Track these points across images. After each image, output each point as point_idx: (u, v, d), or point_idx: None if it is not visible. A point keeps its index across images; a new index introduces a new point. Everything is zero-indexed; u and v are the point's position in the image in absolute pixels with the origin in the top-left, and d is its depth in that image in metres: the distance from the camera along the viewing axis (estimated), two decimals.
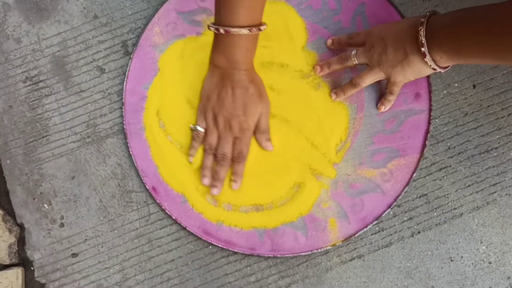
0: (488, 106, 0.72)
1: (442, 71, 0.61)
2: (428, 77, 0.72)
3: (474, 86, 0.72)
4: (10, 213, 0.72)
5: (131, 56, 0.74)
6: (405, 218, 0.70)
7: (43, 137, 0.73)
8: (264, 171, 0.71)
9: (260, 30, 0.63)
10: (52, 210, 0.72)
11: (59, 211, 0.72)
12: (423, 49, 0.58)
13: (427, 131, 0.71)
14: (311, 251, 0.69)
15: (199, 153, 0.71)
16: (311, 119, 0.72)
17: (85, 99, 0.74)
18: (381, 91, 0.72)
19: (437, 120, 0.72)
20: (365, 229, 0.69)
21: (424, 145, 0.71)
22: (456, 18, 0.57)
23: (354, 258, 0.70)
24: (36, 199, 0.72)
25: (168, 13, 0.75)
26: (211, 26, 0.63)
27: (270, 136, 0.70)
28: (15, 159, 0.73)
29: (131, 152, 0.72)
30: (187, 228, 0.70)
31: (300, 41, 0.73)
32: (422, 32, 0.58)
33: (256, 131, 0.70)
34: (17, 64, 0.74)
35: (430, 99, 0.72)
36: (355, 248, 0.70)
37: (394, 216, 0.70)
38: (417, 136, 0.71)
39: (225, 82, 0.67)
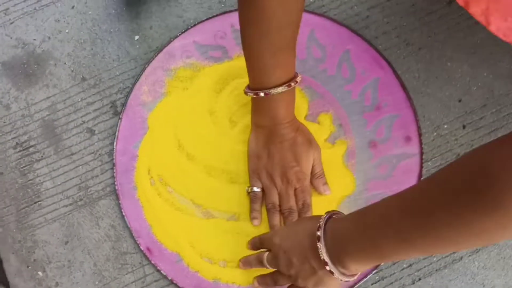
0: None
1: (355, 277, 0.55)
2: (417, 120, 0.72)
3: (464, 127, 0.72)
4: (4, 282, 0.71)
5: (120, 116, 0.74)
6: (404, 265, 0.69)
7: (35, 203, 0.73)
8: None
9: (296, 82, 0.63)
10: (46, 277, 0.71)
11: (54, 277, 0.71)
12: (327, 267, 0.52)
13: (420, 175, 0.71)
14: None
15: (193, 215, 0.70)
16: None
17: (76, 161, 0.74)
18: (370, 138, 0.71)
19: (429, 163, 0.72)
20: (365, 279, 0.68)
21: None
22: (365, 221, 0.50)
23: None
24: (30, 267, 0.71)
25: (154, 71, 0.75)
26: (249, 92, 0.63)
27: None
28: (8, 226, 0.72)
29: (123, 213, 0.71)
30: None
31: None
32: (322, 248, 0.52)
33: (312, 178, 0.69)
34: (7, 130, 0.75)
35: (420, 142, 0.72)
36: None
37: (394, 264, 0.69)
38: (410, 180, 0.71)
39: (272, 139, 0.67)
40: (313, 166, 0.68)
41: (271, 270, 0.64)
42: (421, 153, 0.71)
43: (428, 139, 0.72)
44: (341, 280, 0.54)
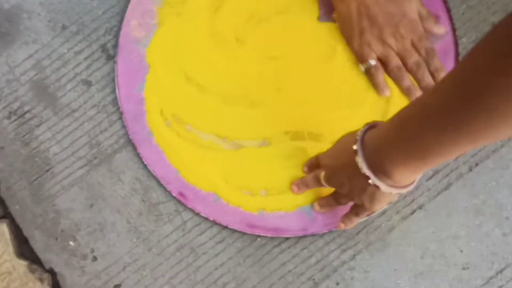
0: None
1: (410, 188, 0.48)
2: None
3: None
4: (35, 261, 0.65)
5: (115, 59, 0.66)
6: None
7: (46, 171, 0.66)
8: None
9: None
10: (79, 246, 0.65)
11: (87, 244, 0.65)
12: (370, 181, 0.47)
13: (457, 54, 0.64)
14: (368, 214, 0.62)
15: None
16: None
17: (80, 118, 0.66)
18: None
19: (463, 39, 0.65)
20: None
21: None
22: (402, 118, 0.44)
23: (415, 211, 0.63)
24: (58, 239, 0.65)
25: (141, 2, 0.66)
26: None
27: None
28: (24, 202, 0.65)
29: (145, 162, 0.65)
30: (229, 227, 0.63)
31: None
32: (361, 163, 0.47)
33: (421, 22, 0.62)
34: None
35: (451, 19, 0.64)
36: (413, 200, 0.63)
37: None
38: (448, 62, 0.64)
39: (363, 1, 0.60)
40: (418, 10, 0.62)
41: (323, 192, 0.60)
42: (454, 30, 0.64)
43: (458, 14, 0.65)
44: (391, 192, 0.48)
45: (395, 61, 0.62)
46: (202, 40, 0.66)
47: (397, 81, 0.63)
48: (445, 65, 0.64)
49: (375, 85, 0.64)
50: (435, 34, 0.63)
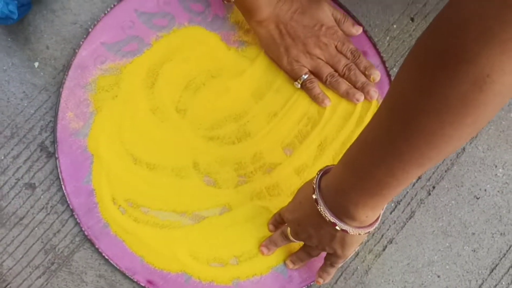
0: None
1: (376, 225, 0.48)
2: (365, 31, 0.66)
3: (412, 20, 0.68)
4: None
5: (56, 155, 0.64)
6: (413, 181, 0.64)
7: None
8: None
9: None
10: None
11: None
12: (337, 227, 0.47)
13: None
14: (343, 261, 0.62)
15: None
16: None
17: (29, 225, 0.63)
18: None
19: (394, 69, 0.67)
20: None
21: None
22: (352, 157, 0.45)
23: (386, 246, 0.63)
24: None
25: (73, 92, 0.65)
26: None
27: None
28: None
29: (106, 256, 0.62)
30: None
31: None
32: (323, 211, 0.47)
33: (338, 25, 0.64)
34: None
35: (378, 52, 0.66)
36: (382, 235, 0.63)
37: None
38: (384, 93, 0.65)
39: (280, 21, 0.62)
40: (332, 15, 0.64)
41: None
42: (383, 62, 0.66)
43: (384, 46, 0.67)
44: (359, 234, 0.48)
45: (326, 70, 0.63)
46: (143, 118, 0.65)
47: (334, 88, 0.64)
48: (382, 97, 0.65)
49: (314, 98, 0.64)
50: (353, 35, 0.65)
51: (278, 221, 0.61)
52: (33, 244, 0.63)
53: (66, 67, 0.65)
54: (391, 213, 0.64)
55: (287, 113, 0.65)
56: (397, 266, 0.63)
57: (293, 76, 0.64)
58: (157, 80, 0.66)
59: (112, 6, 0.66)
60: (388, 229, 0.63)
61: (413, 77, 0.35)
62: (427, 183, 0.64)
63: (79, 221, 0.62)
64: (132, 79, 0.65)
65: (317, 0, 0.63)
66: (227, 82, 0.66)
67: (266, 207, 0.63)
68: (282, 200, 0.63)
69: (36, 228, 0.63)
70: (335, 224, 0.47)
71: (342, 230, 0.47)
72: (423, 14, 0.68)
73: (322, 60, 0.63)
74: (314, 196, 0.48)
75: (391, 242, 0.63)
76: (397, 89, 0.38)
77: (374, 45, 0.66)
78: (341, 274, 0.62)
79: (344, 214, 0.47)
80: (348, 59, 0.64)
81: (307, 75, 0.63)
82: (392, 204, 0.64)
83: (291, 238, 0.58)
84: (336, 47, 0.63)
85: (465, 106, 0.33)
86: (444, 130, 0.34)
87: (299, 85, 0.64)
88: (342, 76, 0.64)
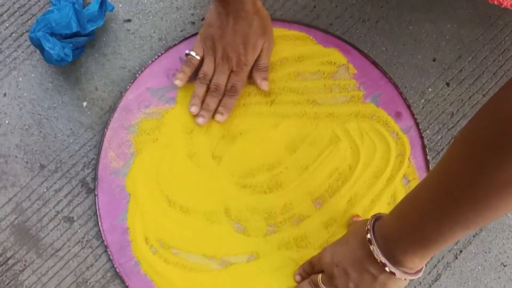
0: (469, 97, 0.69)
1: (420, 274, 0.51)
2: (400, 92, 0.68)
3: (447, 84, 0.69)
4: None
5: (96, 192, 0.67)
6: None
7: None
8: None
9: None
10: None
11: None
12: (387, 268, 0.49)
13: (423, 146, 0.67)
14: None
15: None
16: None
17: (64, 257, 0.66)
18: None
19: (427, 131, 0.68)
20: None
21: (427, 161, 0.67)
22: (404, 210, 0.48)
23: None
24: None
25: (116, 133, 0.68)
26: None
27: None
28: None
29: None
30: None
31: None
32: (376, 251, 0.50)
33: (254, 67, 0.66)
34: None
35: (412, 114, 0.68)
36: None
37: None
38: (416, 155, 0.67)
39: (229, 11, 0.62)
40: (259, 57, 0.65)
41: None
42: (417, 124, 0.68)
43: (418, 108, 0.69)
44: (404, 279, 0.50)
45: (207, 69, 0.66)
46: (181, 162, 0.68)
47: (196, 85, 0.67)
48: (414, 158, 0.67)
49: (180, 70, 0.67)
50: (257, 86, 0.66)
51: (306, 271, 0.62)
52: (66, 276, 0.65)
53: (112, 109, 0.69)
54: None
55: (319, 167, 0.67)
56: None
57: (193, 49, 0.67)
58: (195, 127, 0.68)
59: (160, 54, 0.70)
60: None
61: (463, 157, 0.39)
62: (455, 247, 0.65)
63: (111, 258, 0.65)
64: (173, 124, 0.69)
65: (264, 34, 0.64)
66: (262, 133, 0.68)
67: (293, 258, 0.65)
68: (309, 253, 0.64)
69: (70, 261, 0.65)
70: (385, 265, 0.49)
71: (391, 272, 0.49)
72: (459, 80, 0.69)
73: (214, 62, 0.66)
74: (368, 236, 0.51)
75: None
76: (448, 162, 0.41)
77: (409, 107, 0.68)
78: None
79: (392, 259, 0.49)
80: (224, 86, 0.66)
81: (197, 57, 0.66)
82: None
83: (322, 286, 0.58)
84: (230, 71, 0.65)
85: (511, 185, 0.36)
86: (489, 201, 0.38)
87: (186, 52, 0.67)
88: (208, 88, 0.67)
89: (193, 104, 0.67)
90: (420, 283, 0.64)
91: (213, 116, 0.67)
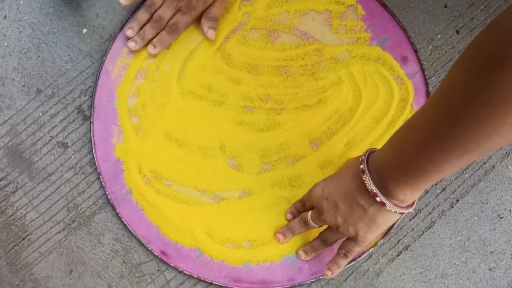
0: None
1: (411, 209, 0.50)
2: (408, 36, 0.66)
3: (457, 32, 0.67)
4: None
5: (91, 119, 0.66)
6: (438, 191, 0.64)
7: (23, 239, 0.64)
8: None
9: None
10: None
11: None
12: (378, 198, 0.49)
13: (428, 92, 0.65)
14: (354, 259, 0.62)
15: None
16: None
17: (56, 182, 0.65)
18: None
19: (433, 78, 0.67)
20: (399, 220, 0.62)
21: None
22: (398, 139, 0.47)
23: (401, 252, 0.63)
24: None
25: (115, 62, 0.67)
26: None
27: None
28: (0, 273, 0.63)
29: (125, 222, 0.63)
30: (214, 283, 0.62)
31: None
32: (368, 180, 0.49)
33: (204, 14, 0.65)
34: None
35: (418, 59, 0.66)
36: (399, 241, 0.63)
37: (426, 192, 0.64)
38: (419, 102, 0.65)
39: None
40: (210, 6, 0.65)
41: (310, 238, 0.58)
42: (423, 70, 0.66)
43: (425, 54, 0.67)
44: (394, 212, 0.49)
45: (157, 5, 0.65)
46: (179, 96, 0.67)
47: (142, 10, 0.65)
48: (417, 104, 0.65)
49: (135, 18, 0.66)
50: (204, 33, 0.65)
51: (297, 209, 0.62)
52: (58, 200, 0.65)
53: (112, 37, 0.68)
54: (410, 220, 0.63)
55: (319, 107, 0.65)
56: (409, 273, 0.62)
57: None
58: (195, 62, 0.67)
59: None
60: (405, 236, 0.63)
61: (461, 75, 0.38)
62: (451, 196, 0.64)
63: (104, 185, 0.64)
64: (174, 56, 0.67)
65: None
66: (264, 70, 0.67)
67: (286, 197, 0.64)
68: (302, 193, 0.63)
69: (62, 186, 0.65)
70: (376, 195, 0.49)
71: (381, 202, 0.49)
72: (469, 28, 0.67)
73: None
74: (361, 167, 0.50)
75: (406, 249, 0.63)
76: (446, 83, 0.40)
77: (416, 52, 0.66)
78: (352, 273, 0.62)
79: (383, 190, 0.49)
80: (166, 20, 0.64)
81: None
82: (413, 212, 0.63)
83: (311, 222, 0.58)
84: (178, 10, 0.64)
85: (506, 105, 0.35)
86: (483, 125, 0.37)
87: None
88: (150, 16, 0.65)
89: (130, 27, 0.66)
90: (413, 229, 0.63)
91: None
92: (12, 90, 0.67)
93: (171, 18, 0.65)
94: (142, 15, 0.65)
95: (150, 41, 0.66)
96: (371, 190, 0.49)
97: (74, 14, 0.69)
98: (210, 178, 0.65)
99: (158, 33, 0.65)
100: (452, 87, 0.39)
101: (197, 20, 0.66)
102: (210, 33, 0.65)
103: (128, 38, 0.66)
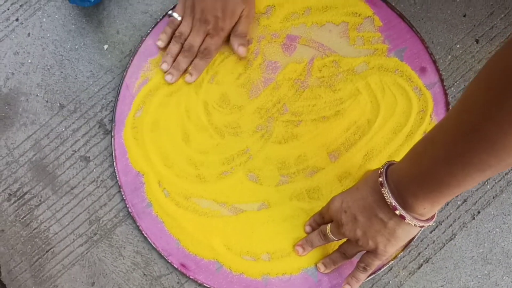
0: None
1: (431, 223, 0.49)
2: (426, 47, 0.66)
3: (477, 41, 0.66)
4: None
5: (112, 133, 0.67)
6: (459, 203, 0.63)
7: (47, 252, 0.65)
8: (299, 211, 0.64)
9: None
10: None
11: None
12: (397, 211, 0.48)
13: (447, 103, 0.65)
14: (375, 272, 0.61)
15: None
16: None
17: (79, 195, 0.67)
18: None
19: (452, 88, 0.66)
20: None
21: None
22: (417, 152, 0.47)
23: (422, 265, 0.62)
24: None
25: (135, 76, 0.68)
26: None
27: None
28: (25, 285, 0.65)
29: (145, 235, 0.64)
30: None
31: None
32: (387, 193, 0.49)
33: (232, 32, 0.66)
34: None
35: (437, 69, 0.66)
36: (419, 253, 0.62)
37: (447, 204, 0.63)
38: (439, 112, 0.65)
39: None
40: (237, 23, 0.65)
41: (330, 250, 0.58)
42: (442, 80, 0.65)
43: (444, 64, 0.66)
44: (414, 225, 0.49)
45: (184, 29, 0.65)
46: (196, 107, 0.68)
47: (172, 42, 0.67)
48: (436, 115, 0.65)
49: (163, 32, 0.67)
50: (234, 51, 0.66)
51: (316, 222, 0.62)
52: (80, 213, 0.66)
53: (132, 52, 0.69)
54: (431, 232, 0.62)
55: (337, 119, 0.65)
56: (430, 287, 0.61)
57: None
58: (217, 74, 0.68)
59: None
60: (426, 248, 0.62)
61: (482, 89, 0.37)
62: (473, 207, 0.63)
63: (124, 198, 0.65)
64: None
65: (246, 1, 0.63)
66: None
67: (304, 209, 0.64)
68: (320, 205, 0.63)
69: (85, 199, 0.66)
70: (395, 208, 0.48)
71: (401, 216, 0.48)
72: (489, 37, 0.66)
73: (192, 23, 0.65)
74: (380, 179, 0.50)
75: (427, 262, 0.62)
76: (468, 97, 0.40)
77: (434, 62, 0.66)
78: (372, 286, 0.62)
79: (403, 203, 0.48)
80: (198, 47, 0.65)
81: (179, 17, 0.65)
82: (434, 224, 0.63)
83: (330, 235, 0.58)
84: (207, 34, 0.65)
85: None
86: (506, 140, 0.36)
87: (168, 13, 0.67)
88: (181, 46, 0.66)
89: (164, 61, 0.67)
90: (434, 241, 0.62)
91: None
92: (36, 105, 0.69)
93: (202, 43, 0.65)
94: (173, 47, 0.66)
95: (185, 70, 0.67)
96: (390, 203, 0.49)
97: (96, 30, 0.71)
98: (229, 191, 0.65)
99: (192, 61, 0.66)
100: (473, 100, 0.39)
101: (227, 39, 0.67)
102: (241, 50, 0.66)
103: (164, 72, 0.67)
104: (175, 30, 0.67)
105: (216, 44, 0.65)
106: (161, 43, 0.67)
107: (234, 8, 0.63)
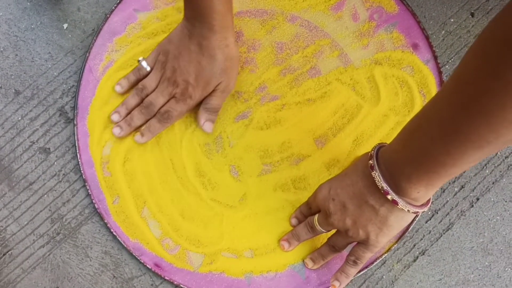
0: None
1: (425, 208, 0.46)
2: (418, 22, 0.60)
3: (472, 15, 0.62)
4: None
5: (75, 122, 0.60)
6: (456, 189, 0.58)
7: (4, 254, 0.59)
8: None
9: None
10: None
11: None
12: (389, 196, 0.44)
13: (441, 81, 0.60)
14: (366, 266, 0.56)
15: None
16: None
17: (38, 191, 0.60)
18: (372, 59, 0.60)
19: (447, 66, 0.61)
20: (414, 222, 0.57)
21: None
22: (410, 131, 0.43)
23: (417, 257, 0.57)
24: None
25: (99, 58, 0.61)
26: None
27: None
28: None
29: (114, 233, 0.58)
30: None
31: None
32: (378, 177, 0.45)
33: (202, 104, 0.58)
34: None
35: (430, 46, 0.60)
36: (414, 245, 0.57)
37: (443, 191, 0.58)
38: (432, 91, 0.60)
39: (193, 35, 0.54)
40: (210, 95, 0.57)
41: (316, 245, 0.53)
42: (435, 58, 0.60)
43: (438, 40, 0.61)
44: (408, 211, 0.45)
45: (149, 82, 0.58)
46: None
47: (132, 93, 0.59)
48: (430, 94, 0.60)
49: (125, 77, 0.60)
50: (199, 124, 0.59)
51: (303, 213, 0.57)
52: (40, 211, 0.59)
53: (96, 32, 0.62)
54: (426, 222, 0.58)
55: (323, 102, 0.60)
56: (427, 281, 0.57)
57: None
58: None
59: None
60: (421, 239, 0.57)
61: (479, 61, 0.34)
62: (471, 194, 0.58)
63: (90, 193, 0.59)
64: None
65: (223, 74, 0.56)
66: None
67: (290, 200, 0.59)
68: (307, 195, 0.58)
69: (45, 195, 0.60)
70: (387, 193, 0.44)
71: (393, 201, 0.44)
72: (485, 10, 0.61)
73: (159, 79, 0.57)
74: (370, 162, 0.46)
75: (423, 254, 0.57)
76: (462, 69, 0.36)
77: (427, 38, 0.61)
78: (364, 281, 0.57)
79: (395, 187, 0.44)
80: (158, 108, 0.57)
81: (147, 67, 0.58)
82: (429, 213, 0.58)
83: (318, 227, 0.53)
84: (173, 96, 0.57)
85: None
86: (504, 113, 0.33)
87: (140, 60, 0.59)
88: (140, 101, 0.59)
89: (117, 111, 0.59)
90: (430, 231, 0.57)
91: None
92: None
93: (164, 105, 0.58)
94: (132, 99, 0.59)
95: (138, 128, 0.59)
96: (382, 187, 0.44)
97: (54, 8, 0.63)
98: (206, 184, 0.59)
99: (148, 120, 0.59)
100: (469, 73, 0.35)
101: (193, 109, 0.59)
102: (207, 126, 0.58)
103: (113, 123, 0.59)
104: (140, 80, 0.59)
105: (179, 110, 0.57)
106: (119, 89, 0.59)
107: (209, 79, 0.55)
